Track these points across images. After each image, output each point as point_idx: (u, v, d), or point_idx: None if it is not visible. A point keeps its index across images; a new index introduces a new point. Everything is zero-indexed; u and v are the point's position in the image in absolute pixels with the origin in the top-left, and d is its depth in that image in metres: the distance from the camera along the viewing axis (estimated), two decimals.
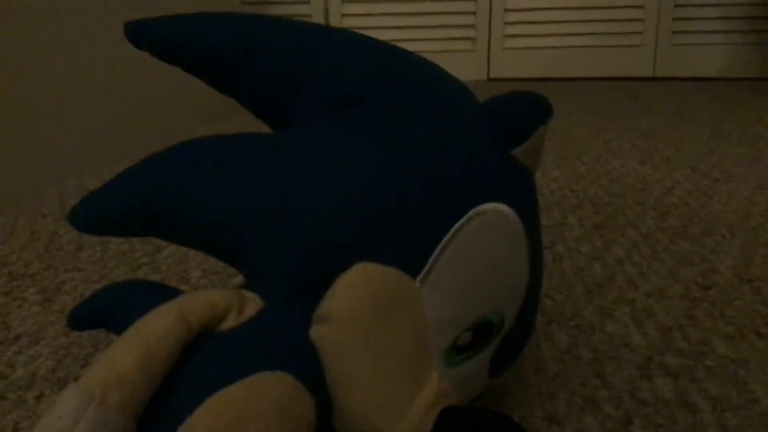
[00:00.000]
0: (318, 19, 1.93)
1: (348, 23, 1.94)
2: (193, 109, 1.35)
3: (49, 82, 0.92)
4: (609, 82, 1.91)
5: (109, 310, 0.31)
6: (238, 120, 1.43)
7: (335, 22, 1.95)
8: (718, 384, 0.42)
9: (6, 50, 0.83)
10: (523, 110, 0.32)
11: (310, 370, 0.28)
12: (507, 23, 1.94)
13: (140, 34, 0.36)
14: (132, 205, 0.31)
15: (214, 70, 0.35)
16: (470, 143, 0.32)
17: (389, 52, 0.36)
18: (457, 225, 0.29)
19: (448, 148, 0.31)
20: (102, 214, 0.31)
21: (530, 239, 0.32)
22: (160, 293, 0.31)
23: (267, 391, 0.26)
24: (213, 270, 0.62)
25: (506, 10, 1.92)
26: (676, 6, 1.87)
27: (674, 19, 1.88)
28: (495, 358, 0.33)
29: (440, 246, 0.29)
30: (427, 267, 0.29)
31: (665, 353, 0.46)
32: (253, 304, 0.29)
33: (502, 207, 0.31)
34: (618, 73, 1.94)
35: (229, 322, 0.28)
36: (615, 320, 0.51)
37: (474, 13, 1.93)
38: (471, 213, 0.30)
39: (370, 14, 1.94)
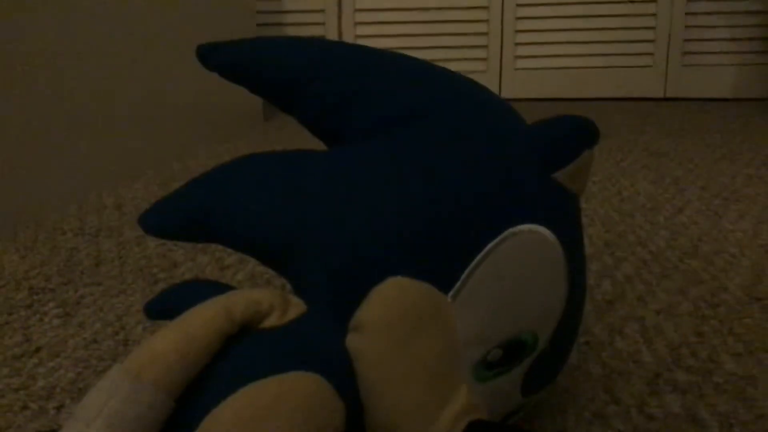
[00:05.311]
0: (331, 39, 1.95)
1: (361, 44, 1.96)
2: (210, 128, 1.37)
3: (68, 100, 0.94)
4: (620, 102, 1.92)
5: (176, 304, 0.33)
6: (252, 139, 1.44)
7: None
8: (726, 400, 0.43)
9: (25, 69, 0.86)
10: (568, 133, 0.33)
11: (343, 375, 0.29)
12: (518, 44, 1.95)
13: (211, 56, 0.39)
14: (192, 215, 0.34)
15: (275, 91, 0.38)
16: (511, 165, 0.32)
17: (438, 74, 0.37)
18: (491, 244, 0.30)
19: (488, 169, 0.32)
20: (167, 220, 0.35)
21: (570, 263, 0.33)
22: (222, 291, 0.33)
23: (298, 389, 0.28)
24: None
25: (517, 31, 1.94)
26: (686, 27, 1.88)
27: (685, 40, 1.89)
28: (527, 378, 0.33)
29: (473, 263, 0.30)
30: (458, 283, 0.30)
31: (674, 369, 0.47)
32: (297, 307, 0.31)
33: (540, 229, 0.31)
34: (629, 94, 1.95)
35: (272, 321, 0.29)
36: (625, 337, 0.51)
37: (486, 34, 1.95)
38: (506, 233, 0.31)
39: (382, 35, 1.96)
